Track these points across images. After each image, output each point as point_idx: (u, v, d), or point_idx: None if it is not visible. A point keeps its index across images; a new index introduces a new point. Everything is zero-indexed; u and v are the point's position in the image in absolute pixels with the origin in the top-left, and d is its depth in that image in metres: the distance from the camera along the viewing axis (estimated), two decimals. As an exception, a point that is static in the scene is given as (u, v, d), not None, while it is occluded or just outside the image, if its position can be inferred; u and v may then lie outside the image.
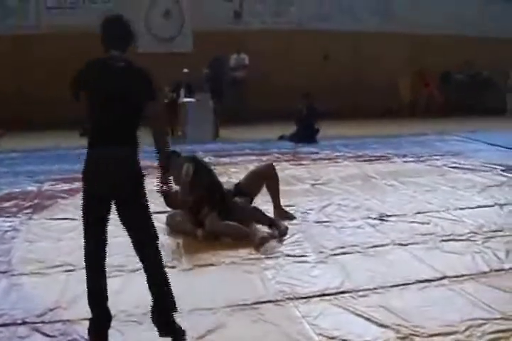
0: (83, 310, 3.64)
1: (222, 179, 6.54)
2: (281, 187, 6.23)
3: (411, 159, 9.43)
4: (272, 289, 4.32)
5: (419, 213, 6.22)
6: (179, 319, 3.59)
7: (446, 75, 16.29)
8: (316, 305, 4.05)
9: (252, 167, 7.26)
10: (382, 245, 5.23)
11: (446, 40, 15.34)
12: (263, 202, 6.07)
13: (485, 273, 4.57)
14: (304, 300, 4.12)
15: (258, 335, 3.67)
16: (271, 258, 4.98)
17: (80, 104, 3.57)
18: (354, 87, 15.00)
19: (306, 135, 11.33)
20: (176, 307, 3.58)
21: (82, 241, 3.56)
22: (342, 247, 5.18)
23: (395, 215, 6.17)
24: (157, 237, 3.62)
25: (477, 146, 10.63)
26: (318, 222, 5.97)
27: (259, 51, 14.11)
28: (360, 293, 4.20)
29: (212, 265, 4.85)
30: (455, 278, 4.44)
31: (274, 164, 6.47)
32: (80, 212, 3.56)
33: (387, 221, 5.98)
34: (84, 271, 3.59)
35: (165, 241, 5.39)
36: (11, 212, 6.46)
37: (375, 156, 9.68)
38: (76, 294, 3.98)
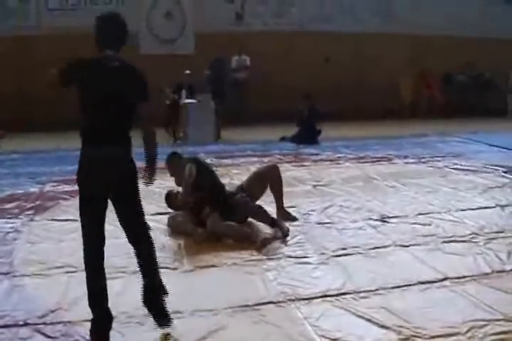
0: (84, 311, 3.65)
1: (224, 180, 6.54)
2: (283, 189, 6.23)
3: (412, 160, 9.42)
4: (274, 290, 4.32)
5: (420, 214, 6.22)
6: (181, 320, 3.60)
7: (448, 76, 16.29)
8: (318, 307, 4.05)
9: (253, 168, 7.27)
10: (384, 246, 5.23)
11: (447, 41, 15.35)
12: (266, 204, 6.06)
13: (486, 274, 4.57)
14: (306, 301, 4.12)
15: (259, 337, 3.67)
16: (272, 259, 4.98)
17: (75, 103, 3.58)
18: (355, 88, 14.99)
19: (307, 136, 11.32)
20: (166, 292, 3.82)
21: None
22: (343, 248, 5.18)
23: (396, 216, 6.17)
24: (149, 228, 3.77)
25: (478, 147, 10.61)
26: (319, 224, 5.97)
27: (261, 52, 14.12)
28: (362, 295, 4.20)
29: (213, 266, 4.85)
30: (457, 280, 4.43)
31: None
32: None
33: (388, 222, 5.97)
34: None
35: (166, 243, 5.41)
36: (13, 213, 6.47)
37: (376, 157, 9.67)
38: (77, 295, 3.98)
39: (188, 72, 12.49)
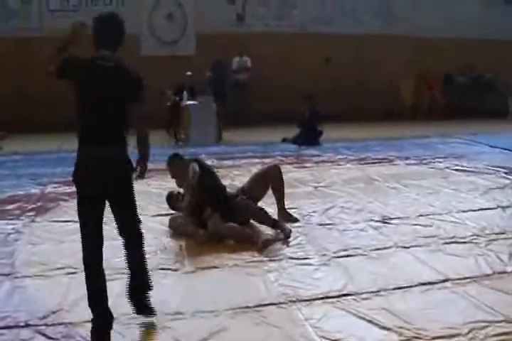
0: (85, 312, 3.65)
1: (225, 182, 6.54)
2: (285, 190, 6.22)
3: (413, 162, 9.42)
4: (275, 292, 4.31)
5: (421, 216, 6.21)
6: (182, 321, 3.60)
7: (449, 78, 16.30)
8: (319, 308, 4.04)
9: (254, 169, 7.26)
10: (385, 248, 5.23)
11: (447, 42, 15.35)
12: (267, 205, 6.06)
13: (488, 275, 4.57)
14: (307, 302, 4.12)
15: (261, 338, 3.67)
16: (274, 260, 4.97)
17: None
18: (356, 89, 15.00)
19: (308, 137, 11.32)
20: (151, 286, 3.82)
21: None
22: (345, 250, 5.17)
23: (397, 218, 6.16)
24: (140, 221, 3.81)
25: (480, 149, 10.61)
26: (321, 225, 5.97)
27: (262, 54, 14.14)
28: (363, 296, 4.20)
29: (215, 267, 4.85)
30: (458, 281, 4.43)
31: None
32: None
33: (389, 223, 5.97)
34: (86, 274, 3.61)
35: (168, 244, 5.41)
36: (14, 214, 6.47)
37: (377, 159, 9.67)
38: (78, 296, 3.98)
39: (189, 73, 12.50)
